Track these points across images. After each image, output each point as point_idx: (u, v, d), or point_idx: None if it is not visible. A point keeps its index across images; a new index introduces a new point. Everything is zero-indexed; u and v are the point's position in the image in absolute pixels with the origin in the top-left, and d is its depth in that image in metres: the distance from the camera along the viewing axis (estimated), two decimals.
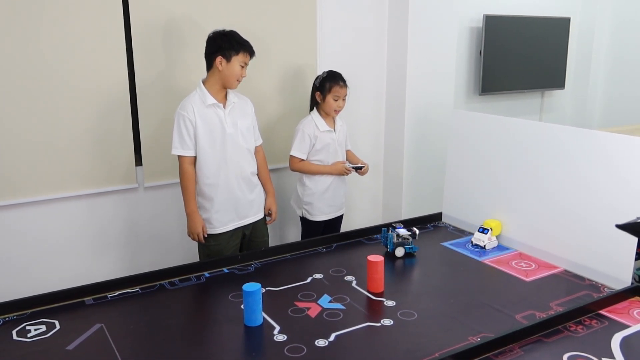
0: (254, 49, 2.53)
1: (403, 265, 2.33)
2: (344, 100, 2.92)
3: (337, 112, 2.94)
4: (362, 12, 3.60)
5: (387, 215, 3.92)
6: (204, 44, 2.52)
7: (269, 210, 2.78)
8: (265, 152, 2.81)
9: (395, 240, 2.38)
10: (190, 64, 2.93)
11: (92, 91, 2.77)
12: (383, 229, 2.50)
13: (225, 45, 2.45)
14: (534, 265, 2.30)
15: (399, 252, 2.38)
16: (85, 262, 2.94)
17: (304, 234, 3.11)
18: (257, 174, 2.72)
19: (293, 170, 3.00)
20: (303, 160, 2.95)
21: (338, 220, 3.14)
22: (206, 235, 2.58)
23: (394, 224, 2.50)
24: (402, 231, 2.41)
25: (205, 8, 2.98)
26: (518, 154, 2.44)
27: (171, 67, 2.94)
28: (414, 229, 2.45)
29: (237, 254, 2.38)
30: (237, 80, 2.52)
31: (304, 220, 3.09)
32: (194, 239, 2.59)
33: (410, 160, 3.75)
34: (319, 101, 2.94)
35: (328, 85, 2.90)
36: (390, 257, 2.38)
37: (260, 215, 2.75)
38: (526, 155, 2.40)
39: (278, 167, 3.34)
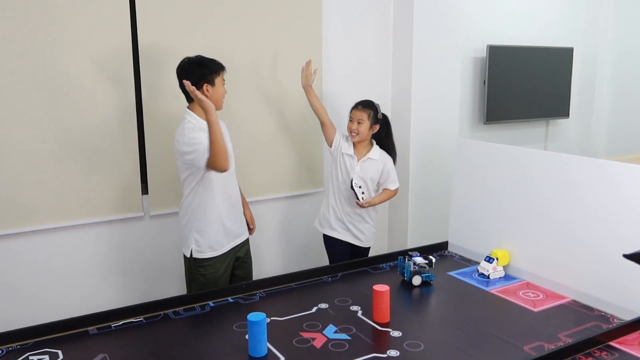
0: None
1: (414, 295, 2.31)
2: (359, 123, 2.92)
3: (352, 134, 2.94)
4: (366, 42, 3.65)
5: (393, 244, 3.90)
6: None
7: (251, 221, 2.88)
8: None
9: (412, 268, 2.37)
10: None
11: (99, 118, 2.80)
12: (399, 257, 2.48)
13: (205, 72, 2.49)
14: (541, 295, 2.27)
15: (416, 280, 2.37)
16: (89, 291, 2.93)
17: (329, 256, 3.12)
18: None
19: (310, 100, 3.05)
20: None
21: (363, 252, 3.10)
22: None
23: (409, 252, 2.49)
24: (419, 259, 2.40)
25: (212, 32, 3.03)
26: (524, 182, 2.44)
27: (178, 94, 2.96)
28: (431, 257, 2.44)
29: (242, 282, 2.37)
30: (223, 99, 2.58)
31: (324, 239, 3.10)
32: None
33: (415, 188, 3.75)
34: None
35: (350, 110, 2.99)
36: (407, 285, 2.38)
37: (246, 236, 2.79)
38: (532, 184, 2.40)
39: (281, 196, 3.35)
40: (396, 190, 3.09)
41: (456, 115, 3.88)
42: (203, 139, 2.37)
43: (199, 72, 2.48)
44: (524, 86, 4.63)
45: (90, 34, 2.72)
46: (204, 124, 2.41)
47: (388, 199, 3.11)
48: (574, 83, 5.01)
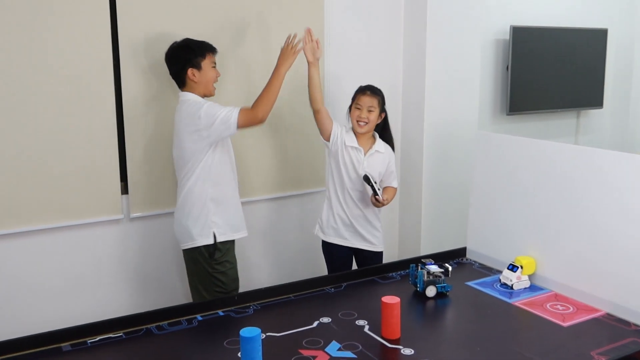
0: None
1: (428, 308, 2.30)
2: (369, 111, 2.88)
3: (359, 124, 2.89)
4: (376, 26, 3.64)
5: (404, 250, 3.91)
6: None
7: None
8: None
9: (425, 278, 2.36)
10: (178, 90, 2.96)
11: (76, 114, 2.80)
12: (411, 265, 2.47)
13: (190, 56, 2.61)
14: (571, 308, 2.27)
15: (430, 291, 2.36)
16: (63, 303, 2.93)
17: (328, 266, 3.10)
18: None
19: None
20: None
21: (375, 257, 3.06)
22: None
23: (423, 260, 2.47)
24: (433, 268, 2.39)
25: (200, 15, 3.03)
26: (552, 181, 2.43)
27: (160, 86, 2.97)
28: (447, 265, 2.43)
29: (234, 294, 2.37)
30: (214, 83, 2.71)
31: (323, 245, 3.07)
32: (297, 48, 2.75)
33: (429, 187, 3.74)
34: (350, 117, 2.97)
35: (355, 95, 2.96)
36: (419, 297, 2.37)
37: None
38: (561, 182, 2.39)
39: (272, 197, 3.37)
40: (397, 189, 3.10)
41: (476, 105, 3.88)
42: (216, 105, 2.59)
43: (184, 57, 2.61)
44: (552, 72, 4.62)
45: (66, 27, 2.72)
46: (203, 100, 2.63)
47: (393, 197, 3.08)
48: (609, 69, 5.00)
